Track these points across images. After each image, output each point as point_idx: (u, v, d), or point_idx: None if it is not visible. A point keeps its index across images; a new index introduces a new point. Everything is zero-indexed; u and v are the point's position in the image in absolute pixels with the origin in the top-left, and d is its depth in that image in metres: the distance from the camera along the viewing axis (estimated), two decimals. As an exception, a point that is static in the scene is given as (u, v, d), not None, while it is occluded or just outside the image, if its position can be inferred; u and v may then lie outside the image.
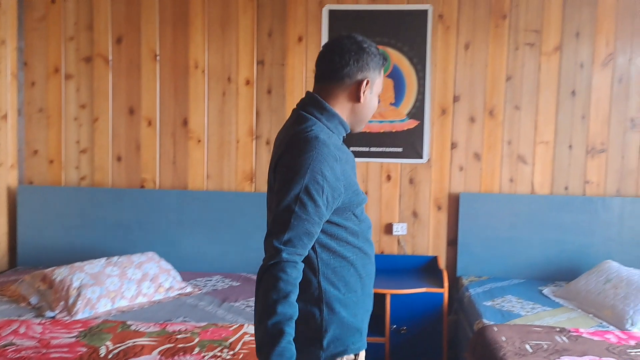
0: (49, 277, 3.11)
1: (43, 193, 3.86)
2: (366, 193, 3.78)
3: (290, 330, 1.49)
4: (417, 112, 3.76)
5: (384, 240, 3.84)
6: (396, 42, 3.72)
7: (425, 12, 3.69)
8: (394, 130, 3.77)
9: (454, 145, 3.79)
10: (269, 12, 3.77)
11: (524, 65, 3.69)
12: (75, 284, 3.03)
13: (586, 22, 3.64)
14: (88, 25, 3.85)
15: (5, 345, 2.51)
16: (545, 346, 2.62)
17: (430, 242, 3.85)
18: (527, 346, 2.62)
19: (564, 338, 2.72)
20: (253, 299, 3.18)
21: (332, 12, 3.74)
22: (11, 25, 3.80)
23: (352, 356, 1.69)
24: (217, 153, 3.87)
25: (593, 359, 2.49)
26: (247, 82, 3.83)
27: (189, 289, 3.38)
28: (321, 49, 1.77)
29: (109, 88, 3.88)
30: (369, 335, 1.83)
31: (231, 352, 2.48)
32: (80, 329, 2.72)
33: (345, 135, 1.78)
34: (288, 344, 1.48)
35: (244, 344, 2.57)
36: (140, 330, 2.70)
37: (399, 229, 3.82)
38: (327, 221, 1.64)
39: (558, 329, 2.83)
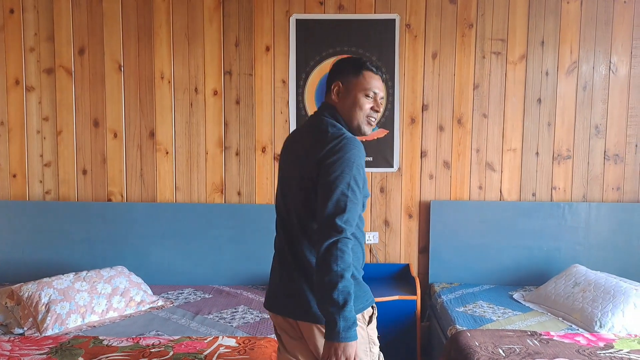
0: (16, 293, 3.03)
1: (7, 208, 3.77)
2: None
3: (353, 295, 1.83)
4: (386, 121, 3.78)
5: (356, 249, 3.83)
6: (364, 52, 3.74)
7: (393, 21, 3.72)
8: (364, 140, 3.77)
9: (423, 154, 3.82)
10: (235, 22, 3.75)
11: (490, 73, 3.75)
12: (44, 300, 2.96)
13: (551, 31, 3.72)
14: (49, 36, 3.77)
15: (-28, 365, 2.42)
16: (518, 350, 2.64)
17: (402, 250, 3.87)
18: (500, 350, 2.64)
19: (536, 341, 2.75)
20: (226, 310, 3.19)
21: (299, 22, 3.74)
22: (-30, 36, 3.70)
23: (370, 309, 2.08)
24: (185, 165, 3.82)
25: (565, 361, 2.53)
26: (215, 93, 3.79)
27: (160, 303, 3.32)
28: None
29: (72, 100, 3.80)
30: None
31: (206, 366, 2.44)
32: (51, 345, 2.65)
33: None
34: (352, 309, 1.82)
35: (219, 356, 2.53)
36: (113, 345, 2.64)
37: (371, 237, 3.82)
38: None
39: (529, 333, 2.86)
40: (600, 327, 2.94)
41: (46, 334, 2.85)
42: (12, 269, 3.71)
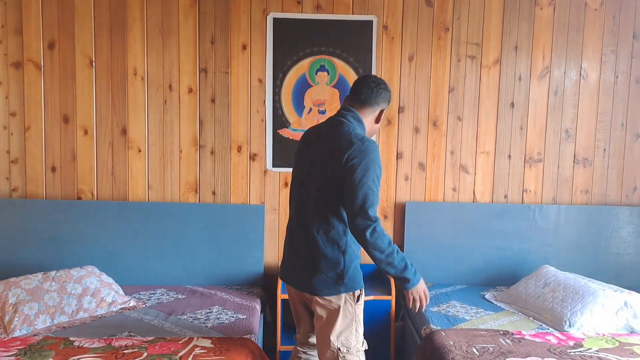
0: (-19, 294, 2.93)
1: (-29, 206, 3.64)
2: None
3: (404, 255, 2.35)
4: (362, 121, 3.78)
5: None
6: (341, 52, 3.74)
7: (370, 22, 3.73)
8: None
9: (399, 156, 3.84)
10: (212, 19, 3.71)
11: (465, 77, 3.79)
12: (11, 300, 2.89)
13: (524, 36, 3.78)
14: (17, 29, 3.66)
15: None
16: (491, 349, 2.69)
17: (376, 251, 3.87)
18: (474, 349, 2.67)
19: (508, 341, 2.79)
20: (200, 311, 3.16)
21: (276, 21, 3.72)
22: None
23: (359, 291, 2.42)
24: (159, 163, 3.76)
25: (537, 360, 2.57)
26: (190, 91, 3.74)
27: (132, 303, 3.26)
28: (359, 79, 2.51)
29: (41, 95, 3.70)
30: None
31: (182, 367, 2.41)
32: (20, 347, 2.58)
33: None
34: (408, 262, 2.34)
35: (194, 357, 2.50)
36: (85, 346, 2.59)
37: (346, 238, 3.82)
38: None
39: (502, 332, 2.91)
40: (570, 326, 3.01)
41: (14, 335, 2.78)
42: (-23, 268, 3.59)
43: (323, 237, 2.36)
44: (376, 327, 3.49)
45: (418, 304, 2.42)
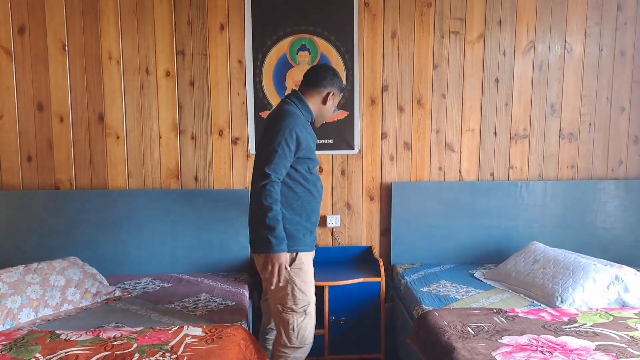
0: (-39, 288, 2.82)
1: (-57, 199, 3.50)
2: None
3: (281, 222, 2.51)
4: (346, 102, 3.72)
5: (319, 233, 3.77)
6: (322, 31, 3.65)
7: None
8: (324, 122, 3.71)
9: (384, 135, 3.78)
10: (187, -1, 3.60)
11: (449, 53, 3.74)
12: (-7, 295, 2.77)
13: (508, 10, 3.73)
14: (-15, 15, 3.51)
15: None
16: (486, 327, 2.66)
17: (364, 233, 3.84)
18: (469, 329, 2.64)
19: (502, 319, 2.77)
20: (187, 299, 3.10)
21: (254, 0, 3.62)
22: None
23: (294, 254, 2.63)
24: (138, 149, 3.66)
25: (532, 337, 2.55)
26: (167, 74, 3.63)
27: (117, 293, 3.18)
28: (310, 67, 2.79)
29: (13, 82, 3.56)
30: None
31: (174, 356, 2.33)
32: (4, 342, 2.48)
33: (310, 121, 2.75)
34: (281, 231, 2.50)
35: (186, 346, 2.42)
36: (72, 339, 2.49)
37: (333, 221, 3.77)
38: (291, 166, 2.59)
39: (495, 310, 2.89)
40: (562, 302, 3.00)
41: (-4, 331, 2.67)
42: (-46, 263, 3.46)
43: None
44: (367, 309, 3.45)
45: (275, 278, 2.53)
